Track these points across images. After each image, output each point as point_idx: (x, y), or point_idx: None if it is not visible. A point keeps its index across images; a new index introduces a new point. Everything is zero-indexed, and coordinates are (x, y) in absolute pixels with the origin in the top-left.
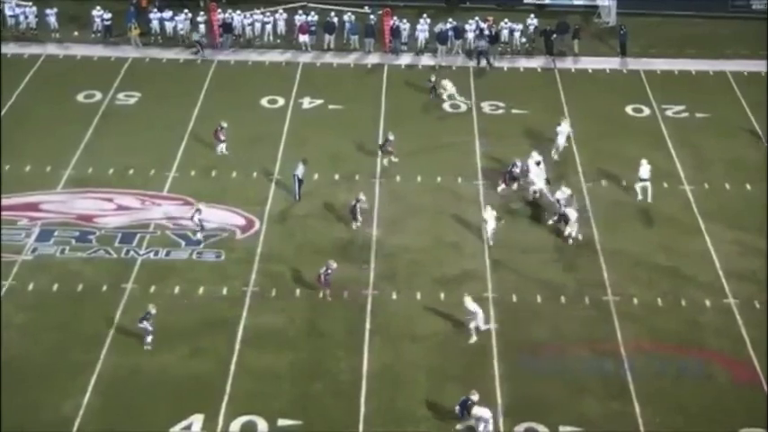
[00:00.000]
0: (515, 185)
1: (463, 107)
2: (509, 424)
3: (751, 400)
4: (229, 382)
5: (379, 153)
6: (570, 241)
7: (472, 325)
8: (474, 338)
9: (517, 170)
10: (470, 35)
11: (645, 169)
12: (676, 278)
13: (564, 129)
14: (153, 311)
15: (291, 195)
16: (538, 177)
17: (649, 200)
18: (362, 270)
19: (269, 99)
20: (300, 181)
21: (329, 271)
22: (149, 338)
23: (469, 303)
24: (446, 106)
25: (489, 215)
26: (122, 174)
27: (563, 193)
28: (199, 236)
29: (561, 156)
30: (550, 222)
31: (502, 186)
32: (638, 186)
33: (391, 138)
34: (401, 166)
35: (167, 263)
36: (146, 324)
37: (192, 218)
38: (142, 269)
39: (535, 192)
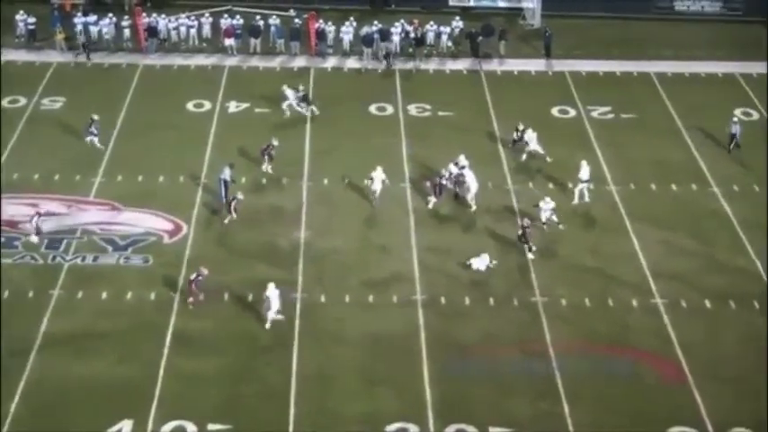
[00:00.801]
0: (442, 197)
1: (307, 113)
2: (439, 425)
3: (679, 399)
4: (158, 387)
5: (264, 159)
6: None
7: (269, 313)
8: (268, 325)
9: (445, 181)
10: (396, 38)
11: (585, 171)
12: (604, 279)
13: (531, 135)
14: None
15: (218, 199)
16: (473, 181)
17: (586, 200)
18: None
19: (195, 103)
20: (227, 184)
21: (200, 277)
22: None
23: (271, 290)
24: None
25: (378, 176)
26: (48, 179)
27: (546, 204)
28: (34, 239)
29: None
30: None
31: (433, 201)
32: (577, 189)
33: (275, 143)
34: (328, 168)
35: (94, 268)
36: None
37: (30, 220)
38: (69, 275)
39: (472, 198)
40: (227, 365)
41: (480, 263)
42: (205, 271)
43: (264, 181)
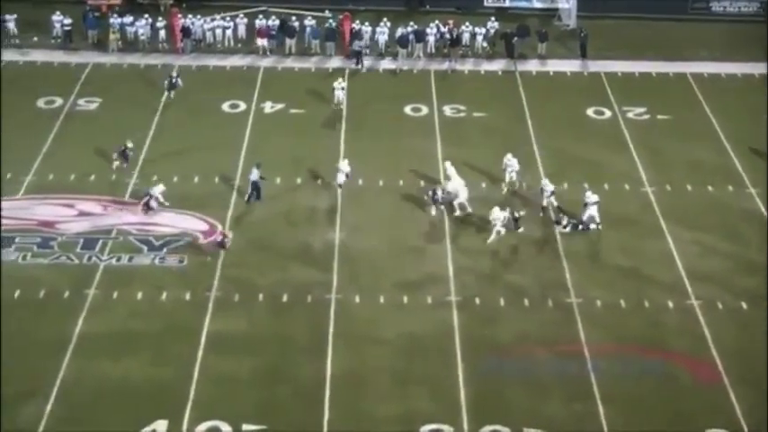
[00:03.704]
0: (438, 209)
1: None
2: (473, 426)
3: (715, 400)
4: (193, 388)
5: (115, 159)
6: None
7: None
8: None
9: (438, 196)
10: (431, 38)
11: (513, 162)
12: (639, 280)
13: (512, 162)
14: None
15: (245, 199)
16: (461, 188)
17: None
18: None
19: (230, 104)
20: (255, 184)
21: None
22: None
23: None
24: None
25: (343, 165)
26: (84, 179)
27: (547, 186)
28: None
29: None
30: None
31: (433, 211)
32: (507, 176)
33: (130, 145)
34: (363, 168)
35: (130, 268)
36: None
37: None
38: (104, 275)
39: (461, 205)
40: (262, 366)
41: (499, 224)
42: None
43: (299, 181)
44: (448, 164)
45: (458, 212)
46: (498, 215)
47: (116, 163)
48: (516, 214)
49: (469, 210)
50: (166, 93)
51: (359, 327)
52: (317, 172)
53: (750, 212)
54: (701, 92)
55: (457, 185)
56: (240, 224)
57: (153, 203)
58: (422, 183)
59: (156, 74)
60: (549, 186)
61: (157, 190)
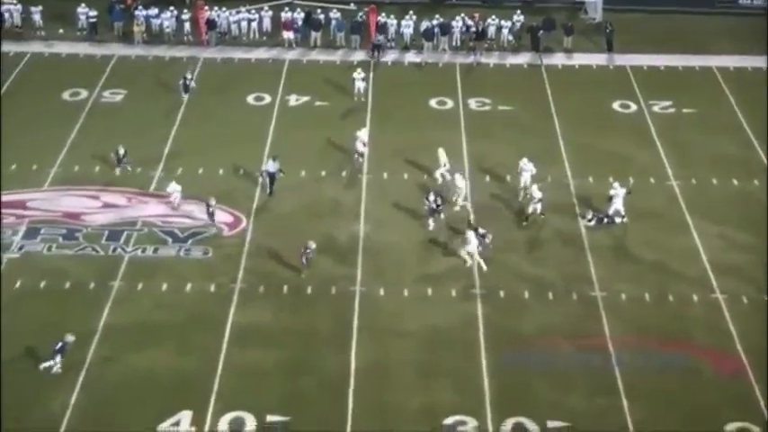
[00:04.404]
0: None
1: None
2: (497, 418)
3: (738, 394)
4: (217, 379)
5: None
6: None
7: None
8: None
9: (433, 204)
10: (457, 32)
11: (443, 157)
12: (664, 273)
13: (527, 166)
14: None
15: (266, 192)
16: (459, 180)
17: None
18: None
19: (255, 96)
20: (272, 176)
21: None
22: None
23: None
24: (433, 103)
25: (362, 134)
26: (108, 171)
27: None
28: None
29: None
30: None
31: (431, 224)
32: (438, 174)
33: (122, 151)
34: (388, 161)
35: (154, 260)
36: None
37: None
38: (129, 266)
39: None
40: (286, 358)
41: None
42: (313, 245)
43: (324, 173)
44: (441, 151)
45: (457, 207)
46: (471, 242)
47: (118, 170)
48: (483, 232)
49: (465, 203)
50: (183, 94)
51: (383, 319)
52: (341, 164)
53: None
54: (727, 85)
55: (455, 180)
56: (264, 216)
57: (175, 198)
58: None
59: (181, 66)
60: (537, 193)
61: (173, 188)
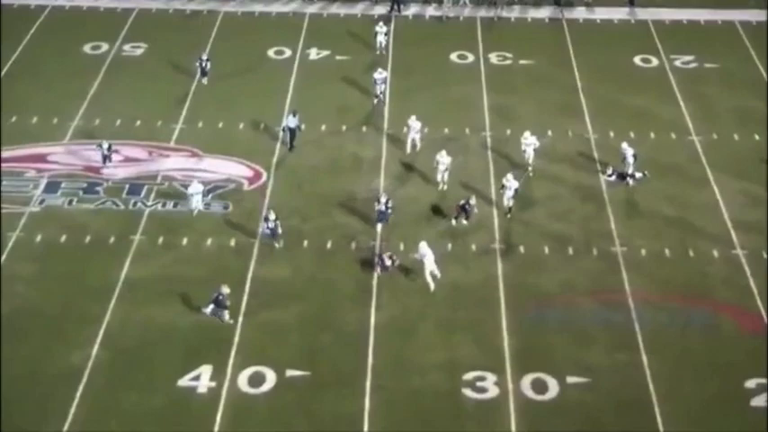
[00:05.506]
0: (464, 220)
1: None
2: (517, 374)
3: (758, 350)
4: (237, 334)
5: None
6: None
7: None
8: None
9: (470, 207)
10: None
11: (415, 124)
12: (684, 229)
13: (532, 140)
14: (225, 291)
15: (287, 147)
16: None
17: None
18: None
19: (276, 50)
20: (292, 131)
21: (221, 297)
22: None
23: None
24: (454, 57)
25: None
26: (129, 125)
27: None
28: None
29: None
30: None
31: (453, 221)
32: (409, 139)
33: (105, 145)
34: (408, 116)
35: (175, 214)
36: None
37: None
38: (150, 221)
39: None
40: (306, 313)
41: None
42: (226, 290)
43: (344, 128)
44: (444, 152)
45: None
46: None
47: (105, 170)
48: (468, 206)
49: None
50: (199, 77)
51: (402, 275)
52: (362, 119)
53: None
54: (750, 40)
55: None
56: (285, 171)
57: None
58: (467, 130)
59: (201, 19)
60: (513, 183)
61: (194, 189)
